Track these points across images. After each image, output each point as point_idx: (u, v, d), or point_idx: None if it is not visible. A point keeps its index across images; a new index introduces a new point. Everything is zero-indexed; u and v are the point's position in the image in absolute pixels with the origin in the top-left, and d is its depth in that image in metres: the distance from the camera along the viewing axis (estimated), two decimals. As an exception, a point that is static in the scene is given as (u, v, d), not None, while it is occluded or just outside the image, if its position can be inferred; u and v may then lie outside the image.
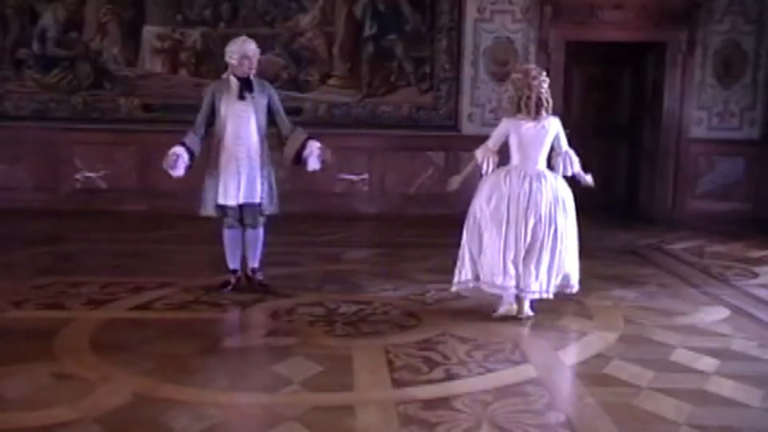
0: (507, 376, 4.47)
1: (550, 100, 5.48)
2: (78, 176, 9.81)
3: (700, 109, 9.93)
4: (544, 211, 5.33)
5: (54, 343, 4.83)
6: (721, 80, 9.89)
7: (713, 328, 5.44)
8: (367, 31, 9.79)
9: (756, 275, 7.00)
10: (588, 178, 5.60)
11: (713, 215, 9.71)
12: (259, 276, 6.10)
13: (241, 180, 5.80)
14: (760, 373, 4.56)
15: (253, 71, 5.84)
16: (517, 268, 5.37)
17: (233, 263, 6.07)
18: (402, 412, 3.91)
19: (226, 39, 9.02)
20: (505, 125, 5.50)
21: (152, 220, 9.01)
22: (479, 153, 5.56)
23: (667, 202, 10.04)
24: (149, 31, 9.81)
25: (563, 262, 5.42)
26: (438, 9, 9.77)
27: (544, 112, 5.42)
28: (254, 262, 6.08)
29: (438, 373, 4.47)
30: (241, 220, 5.94)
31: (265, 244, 6.06)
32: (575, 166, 5.53)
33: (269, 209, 5.94)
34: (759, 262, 7.54)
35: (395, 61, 9.85)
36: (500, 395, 4.15)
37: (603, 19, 9.64)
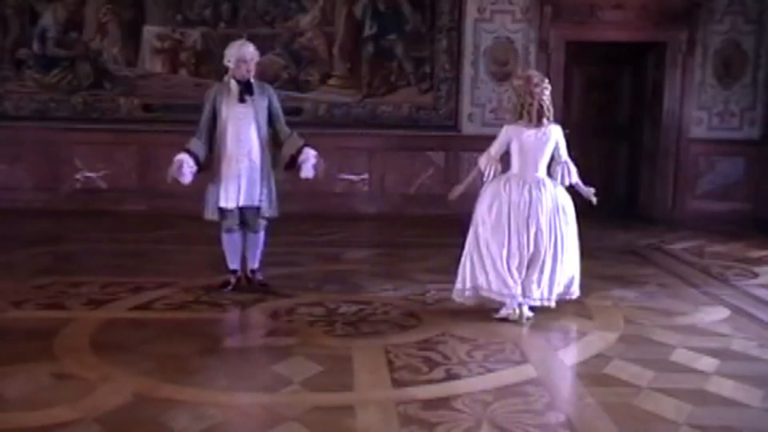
0: (507, 376, 4.47)
1: (552, 108, 5.47)
2: (78, 176, 9.81)
3: (700, 109, 9.93)
4: (544, 218, 5.35)
5: (54, 343, 4.83)
6: (721, 80, 9.89)
7: (713, 328, 5.45)
8: (367, 31, 9.79)
9: (756, 275, 7.00)
10: (589, 192, 5.61)
11: (713, 215, 9.71)
12: (259, 276, 6.11)
13: (242, 183, 5.80)
14: (760, 373, 4.56)
15: (252, 74, 5.82)
16: (519, 276, 5.37)
17: (233, 264, 6.07)
18: (402, 412, 3.91)
19: (226, 39, 9.07)
20: (507, 132, 5.50)
21: (152, 220, 9.01)
22: (482, 161, 5.55)
23: (667, 202, 10.04)
24: (149, 31, 9.82)
25: (564, 269, 5.43)
26: (438, 9, 9.77)
27: (545, 120, 5.42)
28: (254, 264, 6.08)
29: (438, 373, 4.47)
30: (240, 224, 5.94)
31: (265, 244, 6.06)
32: (573, 177, 5.53)
33: (269, 212, 5.94)
34: (759, 262, 7.54)
35: (395, 61, 9.85)
36: (500, 395, 4.15)
37: (603, 19, 9.64)
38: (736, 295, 6.28)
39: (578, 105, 10.40)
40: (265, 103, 5.85)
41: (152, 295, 5.96)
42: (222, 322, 5.59)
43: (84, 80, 9.82)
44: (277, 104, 5.94)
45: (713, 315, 5.75)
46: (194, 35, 9.81)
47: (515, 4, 9.74)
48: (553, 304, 5.45)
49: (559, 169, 5.52)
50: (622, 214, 9.94)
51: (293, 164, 5.93)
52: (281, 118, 5.95)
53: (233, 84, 5.81)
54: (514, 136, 5.45)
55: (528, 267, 5.38)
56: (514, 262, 5.36)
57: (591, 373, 4.55)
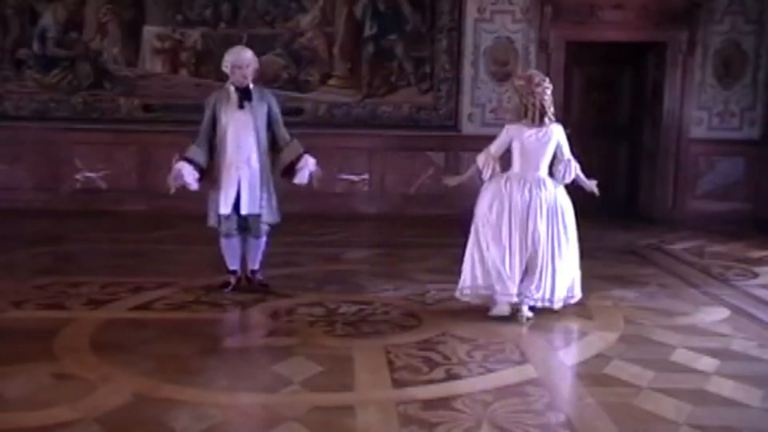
0: (507, 376, 4.47)
1: (553, 108, 5.47)
2: (78, 176, 9.82)
3: (700, 109, 9.93)
4: (543, 218, 5.34)
5: (54, 343, 4.84)
6: (722, 80, 9.89)
7: (713, 328, 5.44)
8: (368, 32, 9.79)
9: (756, 275, 7.00)
10: (592, 184, 5.61)
11: (713, 215, 9.71)
12: (259, 276, 6.11)
13: (242, 190, 5.79)
14: (760, 373, 4.56)
15: (249, 80, 5.80)
16: (518, 276, 5.37)
17: (233, 265, 6.07)
18: (402, 412, 3.91)
19: (227, 39, 9.14)
20: (508, 132, 5.50)
21: (152, 220, 9.01)
22: (481, 158, 5.55)
23: (667, 202, 10.04)
24: (149, 31, 9.82)
25: (565, 269, 5.42)
26: (438, 9, 9.77)
27: (547, 120, 5.42)
28: (254, 265, 6.08)
29: (438, 373, 4.47)
30: (240, 229, 5.93)
31: (267, 246, 6.06)
32: (574, 172, 5.52)
33: (270, 218, 5.94)
34: (759, 262, 7.54)
35: (395, 61, 9.85)
36: (500, 395, 4.15)
37: (603, 19, 9.64)
38: (736, 295, 6.28)
39: (578, 105, 10.40)
40: (264, 109, 5.84)
41: (152, 295, 5.96)
42: (222, 322, 5.59)
43: (84, 80, 9.83)
44: (276, 110, 5.92)
45: (713, 315, 5.75)
46: (194, 35, 9.81)
47: (515, 4, 9.75)
48: (555, 306, 5.44)
49: (561, 168, 5.52)
50: (622, 214, 9.94)
51: (291, 171, 5.92)
52: (281, 124, 5.94)
53: (232, 90, 5.80)
54: (515, 135, 5.45)
55: (527, 267, 5.38)
56: (514, 262, 5.37)
57: (591, 373, 4.55)
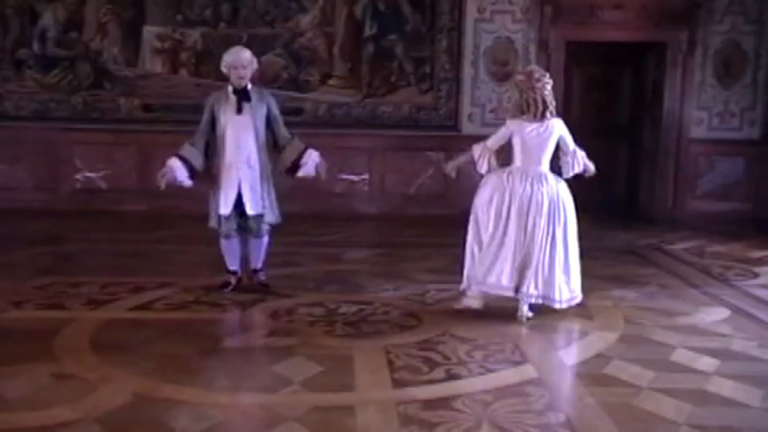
0: (507, 376, 4.47)
1: (554, 102, 5.48)
2: (78, 176, 9.81)
3: (700, 109, 9.93)
4: (544, 213, 5.33)
5: (54, 343, 4.84)
6: (722, 80, 9.89)
7: (713, 328, 5.45)
8: (368, 32, 9.79)
9: (756, 275, 7.00)
10: (591, 165, 5.61)
11: (713, 215, 9.71)
12: (262, 276, 6.11)
13: (244, 191, 5.79)
14: (760, 373, 4.57)
15: (246, 81, 5.79)
16: (514, 270, 5.37)
17: (233, 265, 6.07)
18: (402, 412, 3.91)
19: (227, 39, 9.13)
20: (508, 127, 5.50)
21: (152, 220, 9.01)
22: (476, 149, 5.57)
23: (667, 202, 10.04)
24: (149, 31, 9.81)
25: (564, 266, 5.41)
26: (438, 9, 9.77)
27: (548, 114, 5.42)
28: (257, 264, 6.09)
29: (438, 373, 4.47)
30: (239, 229, 5.93)
31: (270, 244, 6.06)
32: (582, 161, 5.54)
33: (271, 218, 5.94)
34: (759, 262, 7.54)
35: (395, 61, 9.85)
36: (500, 395, 4.15)
37: (603, 19, 9.64)
38: (736, 295, 6.28)
39: (578, 105, 10.41)
40: (263, 111, 5.83)
41: (152, 295, 5.96)
42: (222, 322, 5.59)
43: (84, 80, 9.83)
44: (275, 110, 5.92)
45: (713, 315, 5.75)
46: (194, 35, 9.81)
47: (515, 4, 9.75)
48: (556, 306, 5.43)
49: (569, 160, 5.53)
50: (622, 214, 9.95)
51: (295, 169, 5.92)
52: (281, 123, 5.94)
53: (231, 92, 5.80)
54: (516, 131, 5.45)
55: (525, 263, 5.36)
56: (507, 254, 5.35)
57: (591, 373, 4.55)
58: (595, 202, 9.05)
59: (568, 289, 5.44)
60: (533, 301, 5.41)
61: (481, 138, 5.81)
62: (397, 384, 4.31)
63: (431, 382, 4.35)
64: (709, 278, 6.88)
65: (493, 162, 5.55)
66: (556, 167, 5.63)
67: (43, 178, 9.76)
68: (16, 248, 7.55)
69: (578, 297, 5.53)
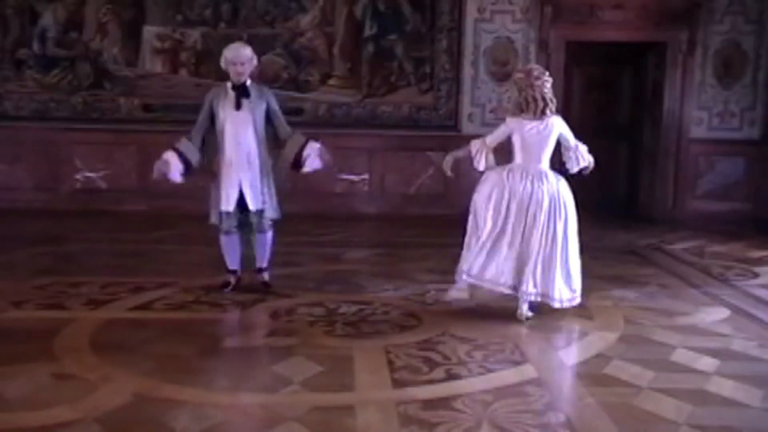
0: (507, 376, 4.47)
1: (554, 100, 5.47)
2: (78, 176, 9.81)
3: (700, 109, 9.93)
4: (543, 211, 5.32)
5: (54, 343, 4.84)
6: (721, 80, 9.89)
7: (713, 328, 5.44)
8: (368, 32, 9.79)
9: (756, 275, 7.00)
10: (590, 158, 5.62)
11: (713, 215, 9.71)
12: (265, 276, 6.11)
13: (244, 187, 5.79)
14: (760, 373, 4.57)
15: (245, 77, 5.79)
16: (513, 268, 5.36)
17: (233, 264, 6.07)
18: (402, 412, 3.91)
19: (227, 39, 9.08)
20: (508, 125, 5.50)
21: (152, 220, 9.01)
22: (475, 144, 5.58)
23: (667, 202, 10.04)
24: (149, 31, 9.82)
25: (564, 264, 5.40)
26: (438, 9, 9.77)
27: (548, 112, 5.42)
28: (262, 262, 6.09)
29: (438, 373, 4.47)
30: (240, 226, 5.94)
31: (275, 242, 6.07)
32: (586, 155, 5.55)
33: (272, 213, 5.94)
34: (759, 262, 7.54)
35: (395, 61, 9.85)
36: (500, 395, 4.15)
37: (603, 19, 9.64)
38: (736, 295, 6.28)
39: (578, 105, 10.41)
40: (263, 106, 5.84)
41: (152, 295, 5.96)
42: (222, 322, 5.59)
43: (84, 80, 9.83)
44: (275, 106, 5.93)
45: (713, 315, 5.75)
46: (194, 35, 9.81)
47: (515, 4, 9.75)
48: (554, 305, 5.43)
49: (572, 155, 5.54)
50: (622, 214, 9.96)
51: (298, 164, 5.92)
52: (281, 119, 5.95)
53: (230, 88, 5.81)
54: (515, 129, 5.45)
55: (525, 260, 5.35)
56: (510, 253, 5.35)
57: (591, 373, 4.55)
58: (595, 202, 9.06)
59: (568, 289, 5.44)
60: (532, 299, 5.41)
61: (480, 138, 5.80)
62: (397, 384, 4.31)
63: (431, 382, 4.35)
64: (709, 278, 6.88)
65: (491, 159, 5.55)
66: (556, 165, 5.64)
67: (43, 178, 9.76)
68: (16, 248, 7.55)
69: (578, 298, 5.53)
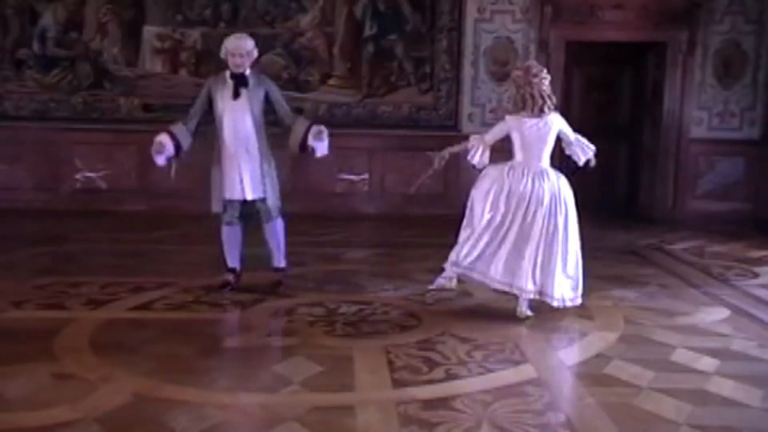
0: (507, 376, 4.47)
1: (553, 97, 5.48)
2: (78, 176, 9.81)
3: (700, 109, 9.93)
4: (544, 207, 5.32)
5: (54, 343, 4.84)
6: (722, 80, 9.89)
7: (713, 328, 5.45)
8: (368, 32, 9.79)
9: (756, 275, 7.00)
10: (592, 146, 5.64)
11: (713, 215, 9.71)
12: (281, 275, 6.11)
13: (244, 175, 5.81)
14: (760, 373, 4.57)
15: (244, 68, 5.80)
16: (504, 264, 5.36)
17: (232, 261, 6.07)
18: (402, 412, 3.91)
19: (227, 39, 9.09)
20: (507, 123, 5.50)
21: (152, 220, 9.01)
22: (473, 141, 5.58)
23: (667, 202, 10.04)
24: (149, 31, 9.81)
25: (564, 263, 5.40)
26: (438, 9, 9.77)
27: (546, 109, 5.42)
28: (280, 261, 6.10)
29: (438, 373, 4.47)
30: (242, 217, 5.94)
31: (286, 232, 6.07)
32: (588, 148, 5.57)
33: (273, 200, 5.94)
34: (759, 262, 7.54)
35: (395, 61, 9.85)
36: (500, 395, 4.15)
37: (603, 19, 9.64)
38: (736, 295, 6.28)
39: (578, 105, 10.41)
40: (261, 95, 5.85)
41: (152, 295, 5.96)
42: (222, 322, 5.60)
43: (84, 80, 9.82)
44: (276, 95, 5.95)
45: (713, 315, 5.75)
46: (194, 35, 9.81)
47: (515, 4, 9.75)
48: (554, 304, 5.43)
49: (575, 149, 5.55)
50: (622, 214, 9.95)
51: (305, 148, 5.93)
52: (283, 103, 5.98)
53: (228, 77, 5.82)
54: (514, 127, 5.45)
55: (521, 257, 5.34)
56: (509, 250, 5.35)
57: (591, 373, 4.56)
58: (595, 202, 9.06)
59: (569, 289, 5.44)
60: (531, 296, 5.40)
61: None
62: (397, 384, 4.31)
63: (431, 382, 4.35)
64: (709, 278, 6.88)
65: (486, 157, 5.54)
66: (556, 163, 5.64)
67: (43, 178, 9.76)
68: (16, 248, 7.55)
69: (579, 299, 5.52)
